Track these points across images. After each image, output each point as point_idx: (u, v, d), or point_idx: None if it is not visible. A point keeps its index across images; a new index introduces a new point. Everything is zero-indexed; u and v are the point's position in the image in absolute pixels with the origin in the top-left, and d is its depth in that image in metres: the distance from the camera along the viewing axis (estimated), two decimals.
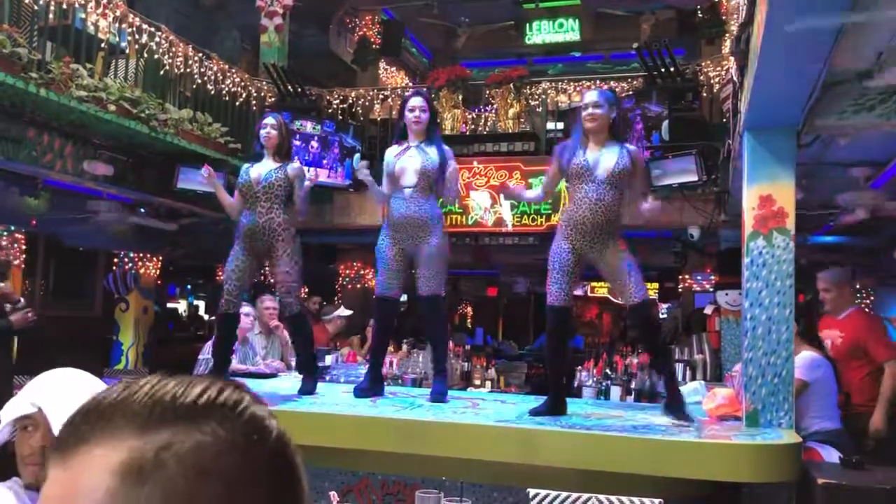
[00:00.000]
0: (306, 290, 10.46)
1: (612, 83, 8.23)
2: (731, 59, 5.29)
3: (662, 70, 6.88)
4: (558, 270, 3.78)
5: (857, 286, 10.00)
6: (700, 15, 9.02)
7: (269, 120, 4.54)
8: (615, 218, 3.74)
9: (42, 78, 5.46)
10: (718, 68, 7.20)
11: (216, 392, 0.57)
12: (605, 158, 3.74)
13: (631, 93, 7.65)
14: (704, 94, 7.17)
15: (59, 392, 1.55)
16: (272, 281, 4.61)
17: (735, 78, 4.65)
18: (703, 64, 7.52)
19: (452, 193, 4.37)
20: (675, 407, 3.65)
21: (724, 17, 8.30)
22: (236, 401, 0.57)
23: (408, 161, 4.22)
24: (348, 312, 7.43)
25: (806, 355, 4.25)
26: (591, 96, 3.89)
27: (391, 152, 4.34)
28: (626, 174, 3.76)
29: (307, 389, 4.34)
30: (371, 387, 4.26)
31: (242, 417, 0.56)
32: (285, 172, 4.40)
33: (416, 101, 4.31)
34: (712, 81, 7.24)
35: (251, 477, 0.54)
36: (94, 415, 0.56)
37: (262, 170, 4.40)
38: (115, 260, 9.53)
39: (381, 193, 4.35)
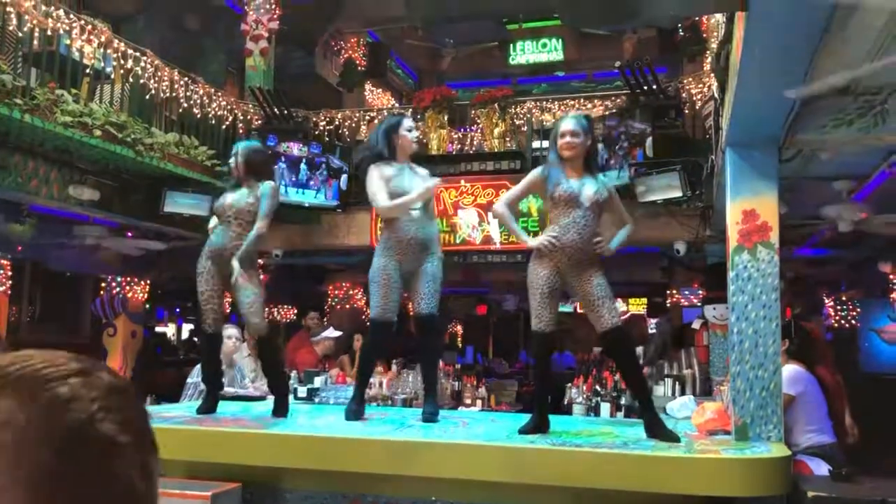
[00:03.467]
0: (296, 310, 10.45)
1: (595, 101, 8.30)
2: (712, 76, 5.35)
3: (645, 88, 6.95)
4: (548, 294, 3.75)
5: (843, 298, 10.08)
6: (681, 33, 9.13)
7: (234, 150, 4.64)
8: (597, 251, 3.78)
9: (27, 104, 5.46)
10: (700, 85, 7.27)
11: (36, 368, 0.64)
12: (587, 187, 3.79)
13: (614, 110, 7.72)
14: (687, 111, 7.24)
15: None
16: (235, 307, 4.59)
17: (716, 95, 4.70)
18: (684, 81, 7.60)
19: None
20: (658, 429, 3.64)
21: (704, 36, 8.40)
22: (53, 378, 0.63)
23: (415, 183, 4.18)
24: (337, 333, 7.41)
25: (787, 369, 4.27)
26: (569, 124, 3.84)
27: (388, 168, 4.23)
28: (605, 204, 3.82)
29: (280, 412, 4.32)
30: (359, 408, 4.25)
31: (41, 396, 0.62)
32: (255, 196, 4.43)
33: (412, 123, 4.41)
34: (694, 98, 7.32)
35: (33, 436, 0.60)
36: None
37: (236, 195, 4.49)
38: (103, 284, 9.48)
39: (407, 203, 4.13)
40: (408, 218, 4.16)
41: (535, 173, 3.93)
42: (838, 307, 10.06)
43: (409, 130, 4.31)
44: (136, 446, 0.65)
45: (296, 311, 10.73)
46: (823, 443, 4.38)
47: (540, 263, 3.78)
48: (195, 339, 15.57)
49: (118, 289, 9.38)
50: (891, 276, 8.15)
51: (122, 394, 0.67)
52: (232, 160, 4.59)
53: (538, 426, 3.76)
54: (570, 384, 5.84)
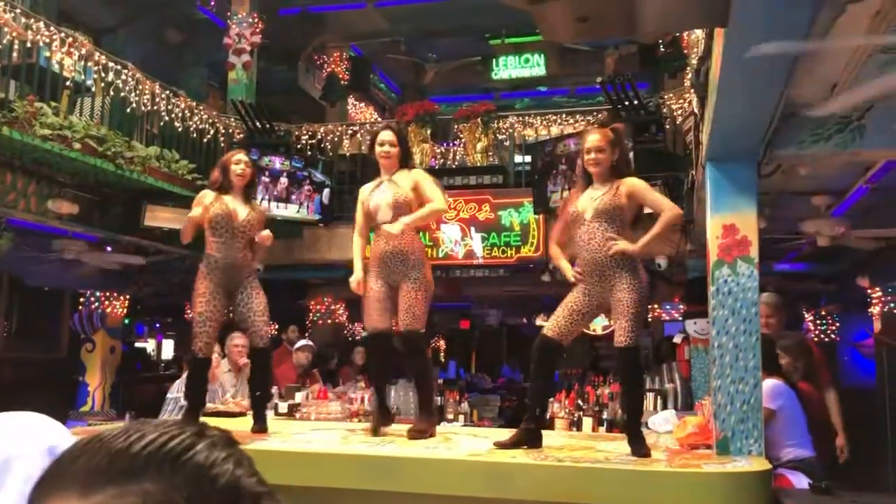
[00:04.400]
0: (276, 326, 10.37)
1: (577, 116, 8.35)
2: (692, 91, 5.40)
3: (626, 103, 7.00)
4: (564, 306, 3.81)
5: (822, 312, 10.16)
6: (662, 49, 9.22)
7: (243, 157, 4.44)
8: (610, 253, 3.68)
9: (5, 116, 5.41)
10: (681, 101, 7.34)
11: (161, 443, 0.57)
12: (595, 198, 3.75)
13: (596, 126, 7.76)
14: (668, 127, 7.29)
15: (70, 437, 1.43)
16: (239, 318, 4.47)
17: (696, 110, 4.74)
18: (665, 97, 7.66)
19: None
20: (632, 444, 3.63)
21: (685, 52, 8.48)
22: (184, 449, 0.57)
23: (381, 196, 4.20)
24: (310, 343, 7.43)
25: (767, 383, 4.28)
26: (594, 140, 3.78)
27: (366, 189, 4.33)
28: (614, 209, 3.69)
29: (259, 429, 4.24)
30: (384, 420, 4.33)
31: (184, 469, 0.56)
32: (259, 213, 4.44)
33: (384, 136, 4.29)
34: (675, 114, 7.38)
35: None
36: (52, 475, 0.57)
37: (239, 207, 4.32)
38: (81, 299, 9.37)
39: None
40: (378, 233, 4.24)
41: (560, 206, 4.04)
42: (818, 321, 10.14)
43: (381, 145, 4.26)
44: (270, 494, 0.61)
45: (277, 327, 10.64)
46: (803, 456, 4.38)
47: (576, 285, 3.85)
48: (181, 355, 15.44)
49: (97, 304, 9.27)
50: (869, 291, 8.23)
51: (235, 445, 0.62)
52: (242, 167, 4.40)
53: (534, 439, 3.77)
54: (551, 398, 5.83)
